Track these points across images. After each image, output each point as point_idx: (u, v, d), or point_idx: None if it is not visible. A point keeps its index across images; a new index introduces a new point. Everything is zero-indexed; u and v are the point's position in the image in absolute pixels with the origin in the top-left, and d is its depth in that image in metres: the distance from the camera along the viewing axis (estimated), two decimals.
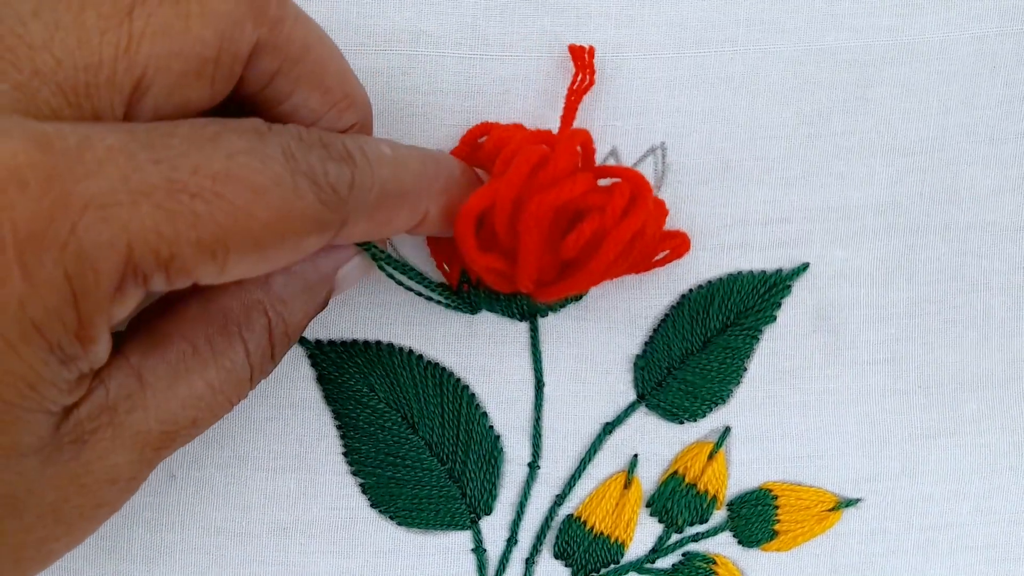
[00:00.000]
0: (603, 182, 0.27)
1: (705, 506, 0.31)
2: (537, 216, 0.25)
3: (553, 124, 0.29)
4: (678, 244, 0.29)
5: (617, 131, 0.30)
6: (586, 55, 0.28)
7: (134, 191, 0.18)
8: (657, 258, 0.29)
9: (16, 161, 0.18)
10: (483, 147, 0.27)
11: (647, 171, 0.30)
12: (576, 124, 0.29)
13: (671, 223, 0.30)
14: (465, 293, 0.29)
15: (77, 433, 0.21)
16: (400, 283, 0.29)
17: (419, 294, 0.29)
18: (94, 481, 0.21)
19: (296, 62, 0.23)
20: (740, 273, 0.30)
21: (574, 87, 0.29)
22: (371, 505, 0.30)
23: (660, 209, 0.28)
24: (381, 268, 0.28)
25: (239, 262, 0.20)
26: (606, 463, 0.31)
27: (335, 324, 0.30)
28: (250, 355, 0.24)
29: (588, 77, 0.28)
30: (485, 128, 0.28)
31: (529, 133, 0.27)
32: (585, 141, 0.27)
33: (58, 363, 0.19)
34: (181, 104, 0.21)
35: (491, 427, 0.30)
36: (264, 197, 0.20)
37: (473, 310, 0.30)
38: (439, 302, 0.29)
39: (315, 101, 0.24)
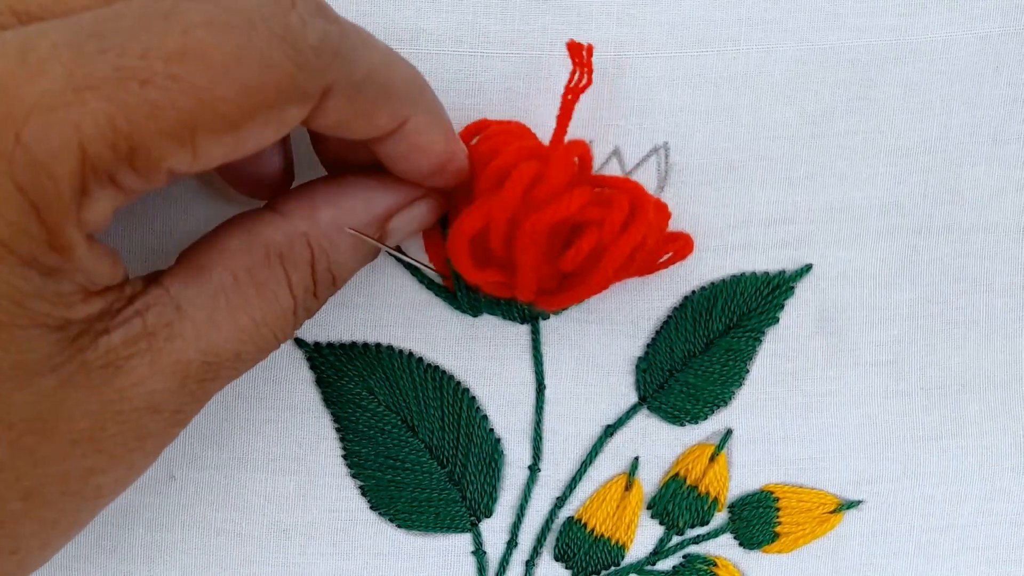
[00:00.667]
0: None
1: (706, 508, 0.31)
2: (533, 235, 0.24)
3: (553, 122, 0.29)
4: (681, 246, 0.29)
5: (620, 131, 0.29)
6: (584, 53, 0.28)
7: (80, 87, 0.17)
8: (660, 260, 0.29)
9: None
10: (475, 148, 0.27)
11: (650, 171, 0.30)
12: (578, 123, 0.29)
13: (674, 224, 0.30)
14: (465, 297, 0.29)
15: (109, 359, 0.20)
16: (412, 269, 0.28)
17: (428, 286, 0.29)
18: (132, 409, 0.21)
19: (358, 92, 0.21)
20: (743, 274, 0.30)
21: (571, 86, 0.28)
22: (371, 507, 0.30)
23: (662, 212, 0.28)
24: (395, 257, 0.27)
25: (212, 145, 0.19)
26: (607, 465, 0.31)
27: (334, 326, 0.30)
28: (292, 287, 0.23)
29: (586, 76, 0.28)
30: (482, 125, 0.28)
31: (520, 146, 0.26)
32: (582, 153, 0.27)
33: (39, 276, 0.19)
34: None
35: (491, 430, 0.30)
36: (228, 73, 0.18)
37: (475, 312, 0.29)
38: (447, 298, 0.29)
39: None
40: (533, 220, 0.24)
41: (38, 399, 0.20)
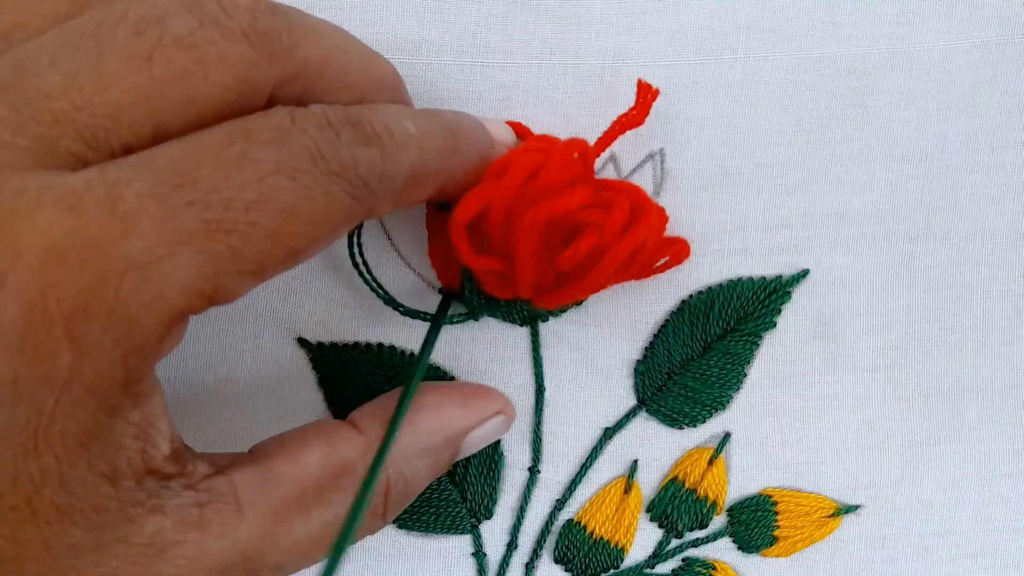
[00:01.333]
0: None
1: (705, 511, 0.31)
2: (530, 227, 0.25)
3: (553, 131, 0.29)
4: (678, 250, 0.29)
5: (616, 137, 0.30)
6: (649, 95, 0.29)
7: (171, 242, 0.18)
8: (657, 264, 0.29)
9: (51, 236, 0.18)
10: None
11: (646, 177, 0.30)
12: (575, 130, 0.29)
13: (670, 229, 0.30)
14: (467, 297, 0.30)
15: (155, 539, 0.20)
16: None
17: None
18: None
19: (319, 76, 0.23)
20: (740, 279, 0.30)
21: (624, 119, 0.29)
22: None
23: (660, 217, 0.28)
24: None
25: (275, 271, 0.20)
26: (606, 468, 0.31)
27: (337, 327, 0.30)
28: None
29: (640, 115, 0.29)
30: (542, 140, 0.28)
31: (525, 147, 0.27)
32: (583, 150, 0.27)
33: (105, 416, 0.19)
34: None
35: None
36: (298, 215, 0.20)
37: (476, 316, 0.30)
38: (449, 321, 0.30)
39: (345, 98, 0.24)
40: (533, 212, 0.25)
41: (68, 551, 0.19)
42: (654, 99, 0.29)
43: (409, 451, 0.25)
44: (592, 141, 0.30)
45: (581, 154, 0.27)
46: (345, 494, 0.23)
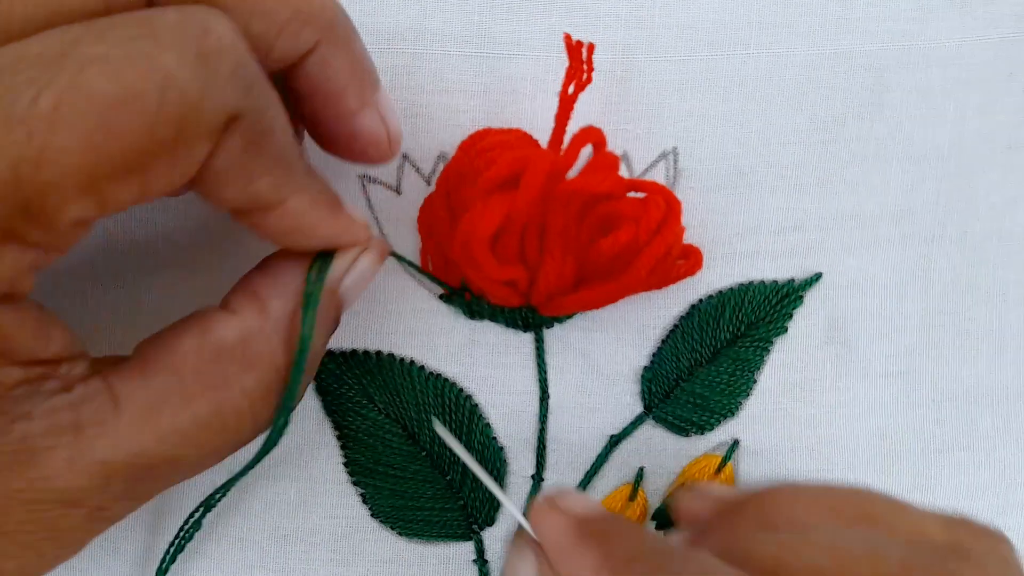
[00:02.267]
0: None
1: None
2: (565, 205, 0.23)
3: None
4: (692, 262, 0.28)
5: (628, 135, 0.29)
6: (584, 51, 0.27)
7: None
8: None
9: None
10: (472, 162, 0.26)
11: (659, 176, 0.29)
12: (583, 124, 0.28)
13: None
14: (467, 303, 0.29)
15: (23, 446, 0.19)
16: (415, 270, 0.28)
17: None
18: (42, 500, 0.20)
19: None
20: (752, 283, 0.30)
21: (568, 83, 0.27)
22: (372, 515, 0.29)
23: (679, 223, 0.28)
24: (399, 259, 0.26)
25: (118, 190, 0.18)
26: (611, 476, 0.30)
27: (335, 334, 0.29)
28: (245, 389, 0.22)
29: (585, 74, 0.27)
30: (483, 135, 0.27)
31: (513, 156, 0.25)
32: (596, 139, 0.26)
33: None
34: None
35: (495, 438, 0.30)
36: (122, 111, 0.17)
37: (476, 315, 0.29)
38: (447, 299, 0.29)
39: (258, 28, 0.21)
40: (564, 187, 0.23)
41: None
42: (591, 53, 0.27)
43: (283, 316, 0.23)
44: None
45: (595, 144, 0.26)
46: (226, 376, 0.22)
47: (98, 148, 0.17)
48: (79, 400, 0.20)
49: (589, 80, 0.27)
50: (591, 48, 0.27)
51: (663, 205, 0.25)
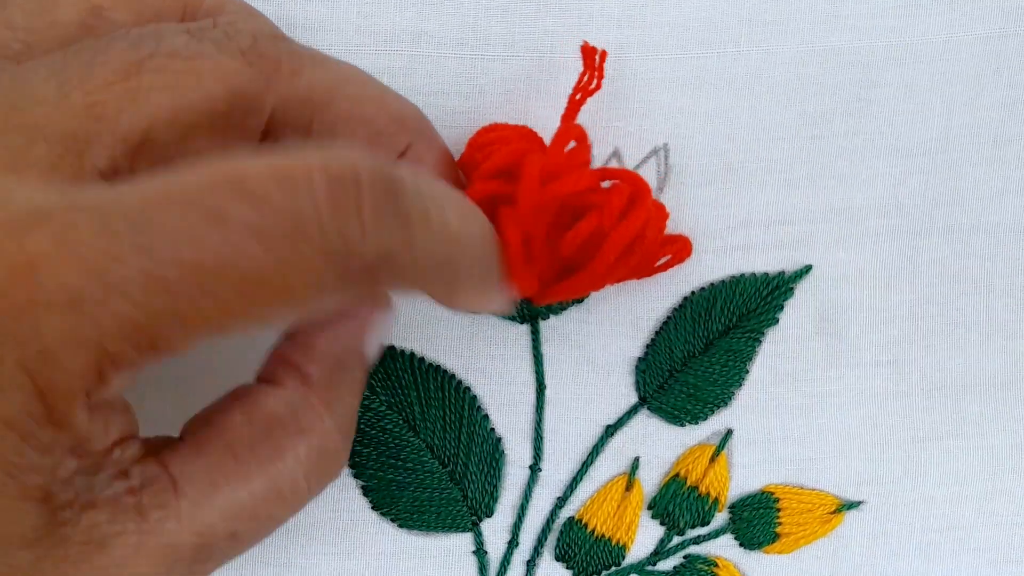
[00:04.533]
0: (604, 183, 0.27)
1: (707, 508, 0.31)
2: (541, 210, 0.24)
3: (556, 125, 0.29)
4: (679, 249, 0.29)
5: (619, 132, 0.30)
6: (597, 57, 0.28)
7: (109, 286, 0.17)
8: (659, 263, 0.29)
9: None
10: (469, 157, 0.27)
11: (650, 173, 0.30)
12: (571, 124, 0.29)
13: (673, 225, 0.30)
14: None
15: (92, 535, 0.19)
16: None
17: None
18: None
19: (326, 107, 0.22)
20: (743, 275, 0.30)
21: (580, 86, 0.28)
22: (372, 507, 0.30)
23: (660, 212, 0.28)
24: None
25: (234, 331, 0.19)
26: (607, 465, 0.31)
27: None
28: (301, 459, 0.22)
29: (596, 80, 0.28)
30: (491, 129, 0.28)
31: (508, 150, 0.26)
32: (579, 136, 0.27)
33: (36, 451, 0.18)
34: (193, 157, 0.20)
35: (492, 429, 0.30)
36: (264, 286, 0.18)
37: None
38: None
39: (362, 133, 0.23)
40: (543, 192, 0.24)
41: (10, 572, 0.19)
42: (603, 60, 0.28)
43: (325, 385, 0.23)
44: (592, 136, 0.30)
45: (577, 140, 0.27)
46: (280, 447, 0.22)
47: (231, 316, 0.18)
48: (139, 485, 0.20)
49: (599, 87, 0.28)
50: (604, 55, 0.28)
51: (626, 191, 0.25)
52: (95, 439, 0.19)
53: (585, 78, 0.28)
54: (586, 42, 0.28)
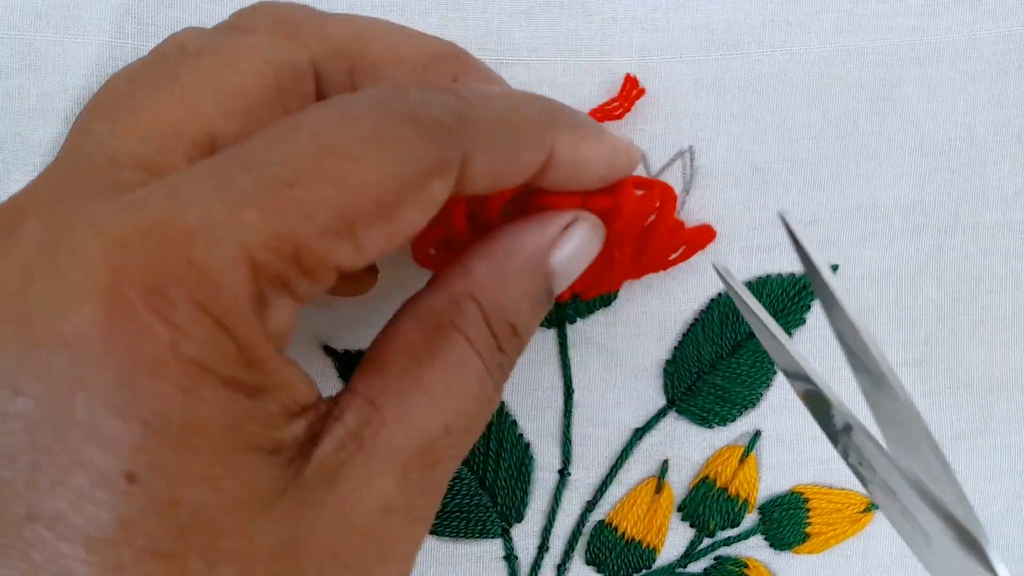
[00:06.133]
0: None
1: (736, 510, 0.31)
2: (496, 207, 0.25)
3: None
4: (701, 234, 0.29)
5: (644, 135, 0.29)
6: (634, 92, 0.29)
7: (233, 204, 0.18)
8: (676, 255, 0.29)
9: (112, 231, 0.18)
10: None
11: (676, 175, 0.30)
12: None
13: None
14: None
15: (326, 469, 0.20)
16: None
17: None
18: (365, 512, 0.20)
19: (360, 55, 0.23)
20: (770, 276, 0.30)
21: (604, 107, 0.29)
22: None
23: (668, 194, 0.27)
24: None
25: (370, 233, 0.19)
26: (637, 469, 0.31)
27: (362, 333, 0.30)
28: (474, 344, 0.22)
29: (622, 110, 0.29)
30: None
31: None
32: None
33: (244, 396, 0.18)
34: None
35: (521, 435, 0.30)
36: (365, 158, 0.19)
37: None
38: None
39: (404, 72, 0.23)
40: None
41: (278, 527, 0.19)
42: (639, 97, 0.29)
43: (490, 279, 0.23)
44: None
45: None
46: (452, 337, 0.22)
47: (354, 194, 0.18)
48: (340, 413, 0.20)
49: (621, 116, 0.29)
50: (640, 93, 0.29)
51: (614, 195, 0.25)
52: (298, 388, 0.19)
53: (614, 104, 0.28)
54: (629, 74, 0.29)
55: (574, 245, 0.24)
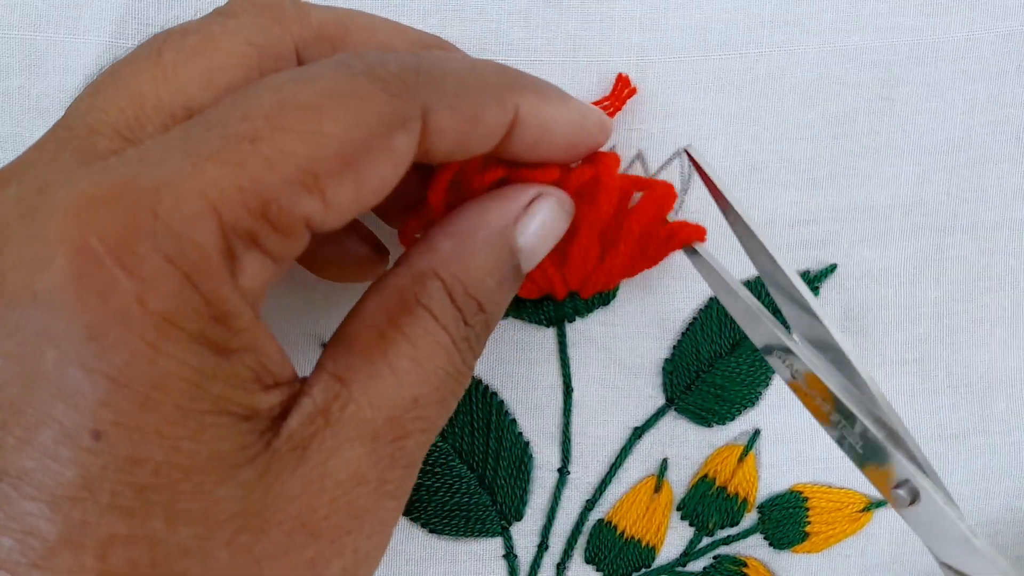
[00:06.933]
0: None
1: (736, 509, 0.31)
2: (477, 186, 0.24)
3: None
4: (687, 229, 0.29)
5: (643, 135, 0.30)
6: (625, 92, 0.29)
7: (197, 159, 0.18)
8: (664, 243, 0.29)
9: (82, 190, 0.18)
10: None
11: (673, 174, 0.30)
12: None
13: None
14: None
15: (295, 441, 0.20)
16: None
17: None
18: (335, 483, 0.20)
19: (342, 39, 0.24)
20: None
21: (596, 105, 0.29)
22: (402, 513, 0.30)
23: (667, 191, 0.27)
24: None
25: (338, 187, 0.19)
26: (636, 467, 0.31)
27: None
28: (438, 318, 0.22)
29: (613, 109, 0.29)
30: None
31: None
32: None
33: (212, 354, 0.18)
34: None
35: (520, 433, 0.30)
36: (325, 111, 0.19)
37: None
38: None
39: None
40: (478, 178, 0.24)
41: (243, 493, 0.19)
42: (630, 96, 0.29)
43: (454, 255, 0.23)
44: (615, 138, 0.30)
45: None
46: (414, 310, 0.22)
47: (316, 146, 0.19)
48: (308, 388, 0.21)
49: (612, 115, 0.29)
50: (632, 92, 0.29)
51: (590, 170, 0.25)
52: (269, 355, 0.20)
53: (606, 102, 0.29)
54: (621, 73, 0.29)
55: (539, 220, 0.24)
